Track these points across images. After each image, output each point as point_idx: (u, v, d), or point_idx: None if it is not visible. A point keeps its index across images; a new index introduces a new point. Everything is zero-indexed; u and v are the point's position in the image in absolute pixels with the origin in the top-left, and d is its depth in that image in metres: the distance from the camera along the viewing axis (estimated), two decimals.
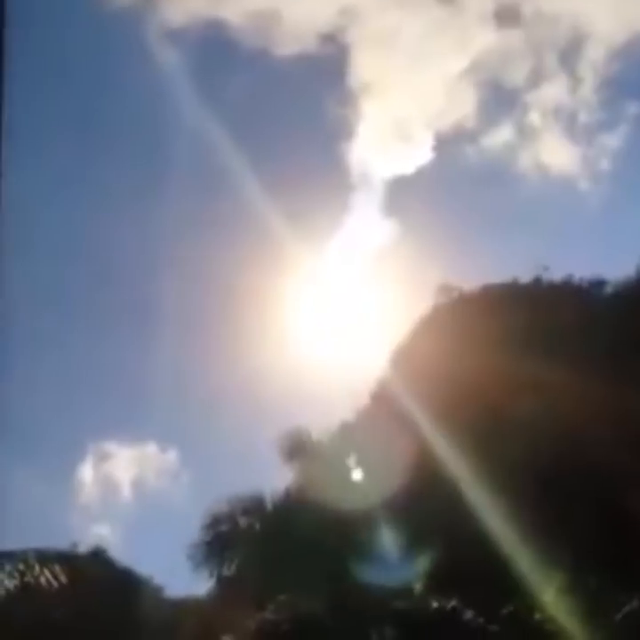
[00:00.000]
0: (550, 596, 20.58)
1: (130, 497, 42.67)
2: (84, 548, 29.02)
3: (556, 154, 42.96)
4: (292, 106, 42.88)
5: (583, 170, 42.95)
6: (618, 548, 21.02)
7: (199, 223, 39.70)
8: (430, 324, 28.89)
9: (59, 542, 28.51)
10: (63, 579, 24.34)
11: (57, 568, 24.68)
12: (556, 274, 28.52)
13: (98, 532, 38.28)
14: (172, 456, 42.21)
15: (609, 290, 27.62)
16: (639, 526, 20.97)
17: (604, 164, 42.83)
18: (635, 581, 21.04)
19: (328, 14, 40.87)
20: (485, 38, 41.59)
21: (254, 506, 26.13)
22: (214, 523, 26.05)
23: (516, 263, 29.54)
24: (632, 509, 21.03)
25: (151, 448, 42.59)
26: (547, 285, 28.44)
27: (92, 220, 42.52)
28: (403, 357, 28.36)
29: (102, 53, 39.87)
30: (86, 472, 41.61)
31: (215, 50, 43.24)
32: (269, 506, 26.49)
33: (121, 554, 31.42)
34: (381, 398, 27.70)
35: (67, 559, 25.61)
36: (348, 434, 27.43)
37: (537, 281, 28.56)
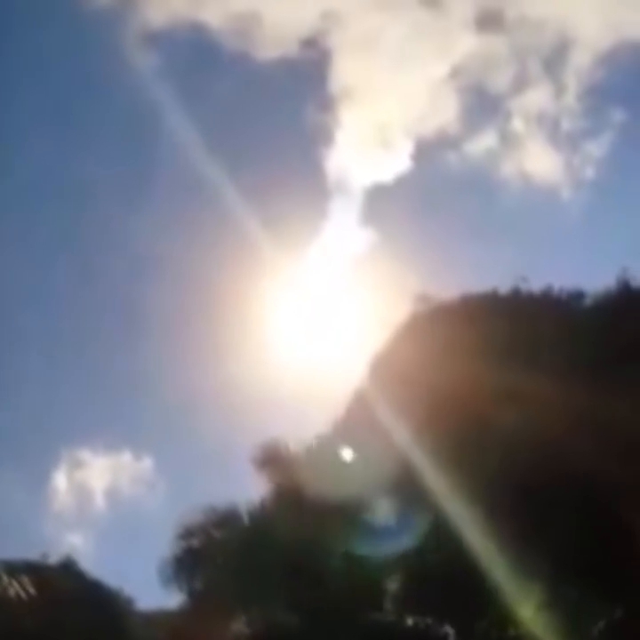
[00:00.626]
0: (528, 610, 20.42)
1: (104, 505, 42.32)
2: (55, 557, 28.70)
3: (539, 161, 42.80)
4: (272, 110, 42.61)
5: (566, 178, 42.90)
6: (598, 558, 20.83)
7: (176, 226, 39.40)
8: (408, 333, 28.57)
9: (31, 550, 28.22)
10: (32, 590, 24.00)
11: (26, 579, 24.33)
12: (537, 284, 28.11)
13: (71, 541, 37.90)
14: (147, 464, 41.82)
15: (588, 301, 27.41)
16: (620, 536, 20.77)
17: (588, 173, 42.74)
18: (614, 591, 20.92)
19: (310, 17, 40.68)
20: (468, 43, 41.38)
21: (227, 518, 25.83)
22: (186, 535, 25.70)
23: (497, 272, 29.44)
24: (613, 520, 20.81)
25: (126, 456, 42.22)
26: (526, 296, 28.17)
27: (70, 222, 42.16)
28: (380, 366, 28.05)
29: (81, 54, 39.56)
30: (60, 479, 41.20)
31: (195, 52, 42.99)
32: (244, 517, 26.17)
33: (94, 563, 31.12)
34: (358, 407, 27.42)
35: (36, 570, 25.31)
36: (323, 444, 27.13)
37: (516, 291, 28.28)
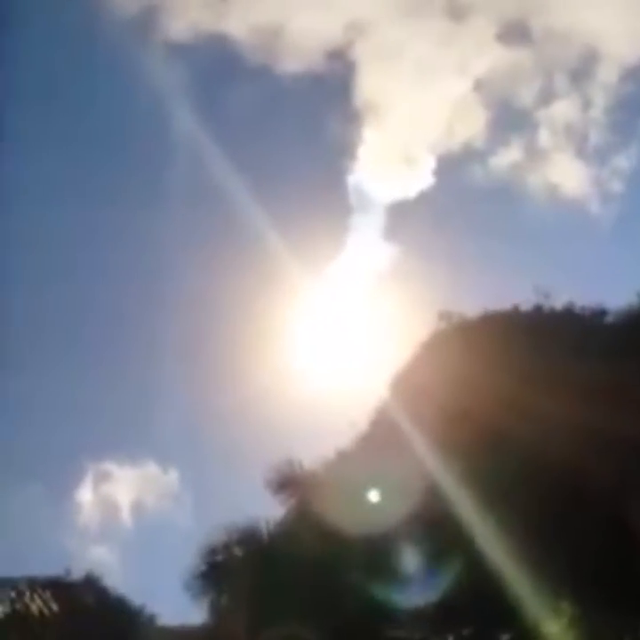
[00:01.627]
0: (554, 626, 20.31)
1: (129, 518, 42.26)
2: (79, 572, 28.74)
3: (566, 175, 42.16)
4: (295, 124, 42.36)
5: (594, 191, 42.23)
6: (622, 573, 20.87)
7: (197, 243, 39.47)
8: (430, 350, 28.57)
9: (56, 564, 28.32)
10: (54, 606, 24.07)
11: (48, 594, 24.42)
12: (562, 299, 28.02)
13: (96, 555, 37.93)
14: (172, 476, 41.74)
15: (610, 318, 27.27)
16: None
17: (616, 186, 42.12)
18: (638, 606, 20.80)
19: (334, 28, 40.11)
20: (494, 55, 40.85)
21: (249, 535, 25.84)
22: (209, 552, 25.75)
23: (522, 287, 29.12)
24: (635, 536, 20.75)
25: (152, 468, 42.18)
26: (548, 313, 28.09)
27: (92, 238, 42.30)
28: (402, 382, 28.04)
29: (104, 66, 39.22)
30: (86, 493, 41.18)
31: (218, 64, 42.72)
32: (265, 535, 26.18)
33: (119, 577, 31.16)
34: (381, 423, 27.41)
35: (59, 586, 25.38)
36: (345, 462, 27.08)
37: (538, 308, 28.21)
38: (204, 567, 25.83)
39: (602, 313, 27.44)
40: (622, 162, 42.71)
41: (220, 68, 43.27)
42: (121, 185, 42.18)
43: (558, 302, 28.17)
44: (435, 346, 28.44)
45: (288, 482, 26.12)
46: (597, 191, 42.74)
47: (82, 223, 42.90)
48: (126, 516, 42.91)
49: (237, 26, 40.72)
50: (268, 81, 41.11)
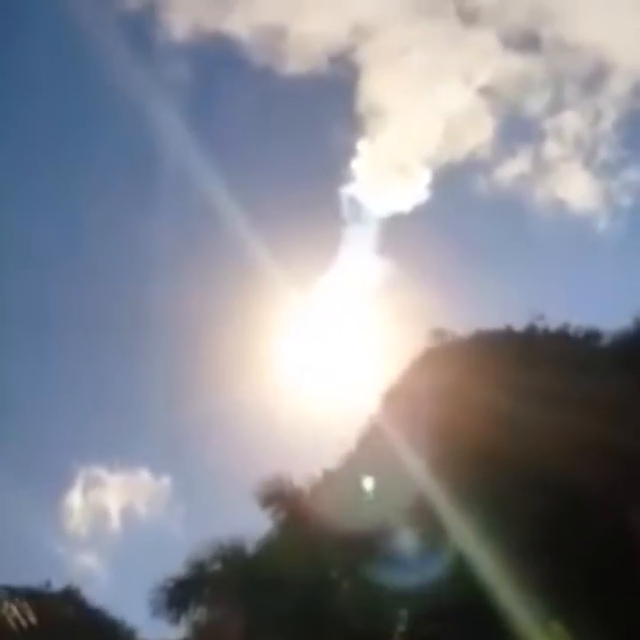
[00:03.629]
0: None
1: (119, 526, 41.64)
2: (64, 581, 28.27)
3: (574, 187, 41.48)
4: (293, 129, 41.54)
5: (602, 206, 41.66)
6: (615, 593, 20.73)
7: (187, 253, 39.05)
8: (422, 368, 28.37)
9: (43, 571, 27.92)
10: (32, 617, 23.66)
11: (27, 606, 24.02)
12: (557, 321, 27.81)
13: (84, 563, 37.38)
14: (165, 482, 41.16)
15: (605, 341, 27.10)
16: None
17: (625, 201, 41.59)
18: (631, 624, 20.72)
19: (339, 31, 39.36)
20: (503, 63, 40.05)
21: (233, 551, 25.54)
22: (191, 567, 25.45)
23: (518, 306, 28.73)
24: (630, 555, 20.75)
25: (144, 474, 41.63)
26: (541, 334, 27.92)
27: (83, 240, 41.89)
28: (393, 399, 27.84)
29: (101, 63, 38.33)
30: (75, 498, 40.56)
31: (218, 64, 41.99)
32: (249, 551, 25.90)
33: (106, 586, 30.68)
34: (371, 439, 27.19)
35: (37, 597, 24.96)
36: (332, 478, 26.84)
37: (531, 329, 28.04)
38: (183, 582, 25.51)
39: (596, 335, 27.29)
40: (632, 175, 42.13)
41: (220, 68, 42.61)
42: (108, 187, 41.78)
43: (553, 324, 27.97)
44: (426, 364, 28.24)
45: (275, 497, 25.86)
46: (606, 205, 42.13)
47: (71, 224, 42.61)
48: (116, 523, 42.34)
49: (240, 25, 39.92)
50: (268, 82, 40.35)
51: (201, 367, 38.72)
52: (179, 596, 25.51)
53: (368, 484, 25.01)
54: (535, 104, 42.23)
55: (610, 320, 27.11)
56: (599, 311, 31.73)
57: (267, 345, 34.62)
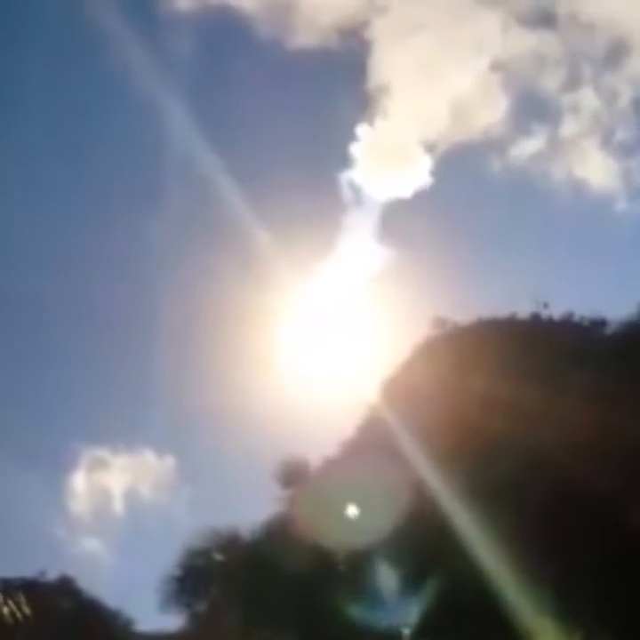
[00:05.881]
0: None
1: (123, 508, 41.34)
2: (62, 568, 28.05)
3: (591, 167, 40.54)
4: (298, 107, 40.52)
5: (621, 186, 40.73)
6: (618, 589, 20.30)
7: (189, 239, 38.62)
8: (423, 355, 28.05)
9: (46, 555, 27.71)
10: (27, 609, 23.46)
11: (22, 597, 23.81)
12: (562, 308, 27.37)
13: (88, 547, 37.15)
14: (169, 463, 40.82)
15: (610, 329, 26.69)
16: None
17: None
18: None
19: (351, 3, 38.29)
20: (518, 39, 39.12)
21: (230, 541, 25.33)
22: (189, 557, 25.25)
23: (524, 293, 28.13)
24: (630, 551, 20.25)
25: (148, 455, 41.31)
26: (545, 322, 27.55)
27: (90, 231, 41.48)
28: (393, 387, 27.53)
29: (106, 39, 37.44)
30: (79, 480, 40.28)
31: (224, 37, 41.03)
32: (247, 539, 25.70)
33: (109, 571, 30.35)
34: (369, 429, 26.91)
35: (32, 588, 24.74)
36: (334, 466, 26.60)
37: (535, 317, 27.66)
38: (181, 572, 25.32)
39: (601, 323, 26.88)
40: None
41: (225, 42, 41.68)
42: (110, 176, 41.36)
43: (561, 310, 27.58)
44: (427, 351, 27.91)
45: (294, 477, 25.71)
46: (624, 186, 41.10)
47: (76, 216, 42.28)
48: (120, 505, 42.01)
49: None
50: (275, 56, 39.39)
51: (202, 353, 38.44)
52: (187, 586, 25.36)
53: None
54: (550, 82, 41.39)
55: (626, 304, 26.20)
56: (615, 296, 30.95)
57: (267, 332, 34.26)
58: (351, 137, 39.15)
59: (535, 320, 27.48)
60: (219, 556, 25.34)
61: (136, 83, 37.58)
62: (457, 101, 39.11)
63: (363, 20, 38.69)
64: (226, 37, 41.75)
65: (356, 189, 39.47)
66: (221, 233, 37.27)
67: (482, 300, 31.95)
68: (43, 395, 41.01)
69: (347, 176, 39.47)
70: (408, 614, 22.44)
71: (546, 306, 27.30)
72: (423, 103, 39.32)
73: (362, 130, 39.10)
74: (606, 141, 42.09)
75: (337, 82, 40.74)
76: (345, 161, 39.47)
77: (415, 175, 39.05)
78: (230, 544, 25.41)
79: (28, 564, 26.83)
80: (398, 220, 39.85)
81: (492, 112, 39.70)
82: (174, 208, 38.41)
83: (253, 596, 23.89)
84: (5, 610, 23.00)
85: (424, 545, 22.20)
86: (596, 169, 41.86)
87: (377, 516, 22.98)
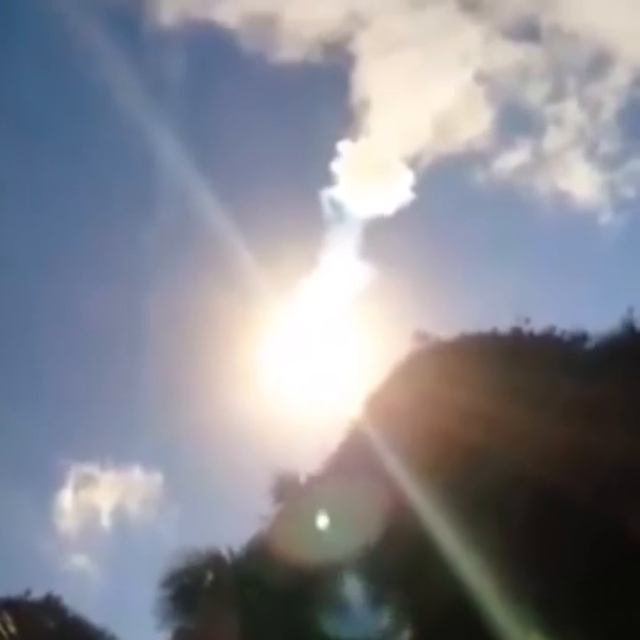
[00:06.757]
0: None
1: (111, 525, 41.24)
2: (49, 586, 27.95)
3: (575, 179, 40.80)
4: (281, 123, 40.62)
5: (605, 198, 40.92)
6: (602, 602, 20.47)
7: (173, 255, 38.70)
8: (405, 371, 28.16)
9: (34, 574, 27.62)
10: (12, 628, 23.38)
11: (6, 616, 23.72)
12: (544, 323, 27.57)
13: (76, 564, 37.02)
14: (157, 479, 40.77)
15: (591, 344, 26.92)
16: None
17: (629, 193, 40.96)
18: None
19: (334, 18, 38.46)
20: (501, 51, 39.34)
21: (216, 559, 25.37)
22: (175, 575, 25.24)
23: (506, 309, 28.30)
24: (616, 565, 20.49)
25: (136, 471, 41.23)
26: (527, 337, 27.74)
27: (76, 240, 41.43)
28: (376, 403, 27.65)
29: (90, 54, 37.65)
30: (66, 497, 40.14)
31: (208, 53, 41.21)
32: (234, 556, 25.75)
33: (97, 587, 30.22)
34: (352, 446, 27.01)
35: (16, 607, 24.66)
36: (317, 483, 26.68)
37: (516, 332, 27.85)
38: (168, 591, 25.31)
39: (582, 338, 27.09)
40: (635, 167, 41.46)
41: (209, 58, 41.82)
42: (98, 185, 41.38)
43: (543, 325, 27.77)
44: (410, 367, 28.01)
45: (288, 490, 25.80)
46: (609, 198, 41.37)
47: (66, 225, 42.28)
48: (108, 522, 41.87)
49: (230, 13, 39.15)
50: (258, 71, 39.48)
51: (188, 369, 38.53)
52: (174, 604, 25.33)
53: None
54: (534, 94, 41.62)
55: (609, 319, 26.42)
56: (599, 309, 31.14)
57: (249, 349, 34.36)
58: (333, 153, 39.26)
59: (517, 335, 27.69)
60: (207, 573, 25.36)
61: (118, 97, 37.67)
62: (440, 115, 39.29)
63: (346, 33, 38.83)
64: (209, 52, 41.93)
65: (337, 206, 39.57)
66: (203, 249, 37.40)
67: (465, 315, 32.13)
68: (29, 410, 40.91)
69: (328, 193, 39.56)
70: (391, 631, 22.55)
71: (527, 321, 27.55)
72: (406, 117, 39.44)
73: (344, 146, 39.18)
74: (591, 153, 42.44)
75: (320, 97, 40.87)
76: (327, 178, 39.54)
77: (397, 191, 39.13)
78: (216, 562, 25.41)
79: (15, 582, 26.87)
80: (381, 236, 39.96)
81: (476, 125, 39.91)
82: (156, 226, 38.55)
83: (241, 614, 23.94)
84: None
85: (407, 560, 22.32)
86: (580, 181, 42.09)
87: (360, 532, 23.11)
